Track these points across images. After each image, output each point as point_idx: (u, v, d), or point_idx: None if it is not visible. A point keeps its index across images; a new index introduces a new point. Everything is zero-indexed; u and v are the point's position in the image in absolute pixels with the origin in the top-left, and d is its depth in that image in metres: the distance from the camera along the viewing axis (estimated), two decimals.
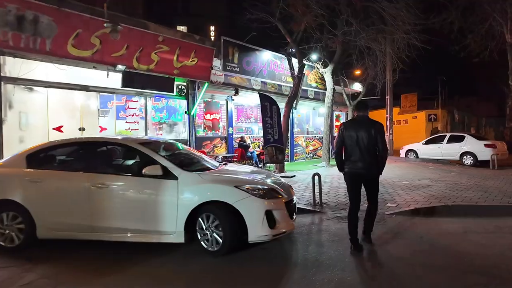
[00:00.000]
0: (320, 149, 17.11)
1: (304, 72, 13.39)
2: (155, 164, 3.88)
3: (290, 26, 10.46)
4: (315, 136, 16.71)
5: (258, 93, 9.98)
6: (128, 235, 3.96)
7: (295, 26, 10.29)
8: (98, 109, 8.43)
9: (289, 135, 14.68)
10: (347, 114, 18.44)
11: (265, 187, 4.03)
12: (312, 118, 17.17)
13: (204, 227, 3.81)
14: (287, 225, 4.01)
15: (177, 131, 10.36)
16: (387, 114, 17.53)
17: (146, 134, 9.31)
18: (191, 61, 9.08)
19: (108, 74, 7.65)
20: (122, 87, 7.94)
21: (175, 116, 10.21)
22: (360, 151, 3.88)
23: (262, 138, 10.23)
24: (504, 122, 24.36)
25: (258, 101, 12.67)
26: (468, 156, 13.56)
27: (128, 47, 7.66)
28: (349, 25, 11.21)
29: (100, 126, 8.50)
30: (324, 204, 6.24)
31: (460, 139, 14.04)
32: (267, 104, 9.75)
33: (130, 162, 4.39)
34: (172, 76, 8.80)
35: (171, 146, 5.08)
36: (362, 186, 4.06)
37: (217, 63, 10.22)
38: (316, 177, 6.24)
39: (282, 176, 9.66)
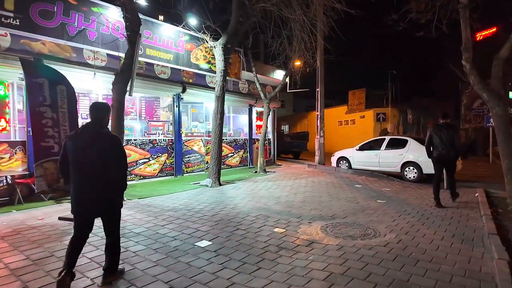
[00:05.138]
0: (232, 155, 12.94)
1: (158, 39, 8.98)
2: None
3: None
4: (224, 139, 12.40)
5: (20, 59, 5.36)
6: None
7: None
8: None
9: (173, 138, 10.31)
10: (274, 111, 14.42)
11: None
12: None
13: None
14: None
15: None
16: (317, 111, 13.66)
17: None
18: None
19: None
20: None
21: None
22: (443, 144, 6.05)
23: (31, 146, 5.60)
24: (460, 124, 21.73)
25: (96, 86, 8.23)
26: (411, 168, 9.93)
27: None
28: None
29: None
30: None
31: (402, 144, 10.41)
32: (44, 81, 5.21)
33: None
34: None
35: None
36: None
37: None
38: None
39: None
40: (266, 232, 4.59)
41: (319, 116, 13.49)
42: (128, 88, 6.61)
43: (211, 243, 4.16)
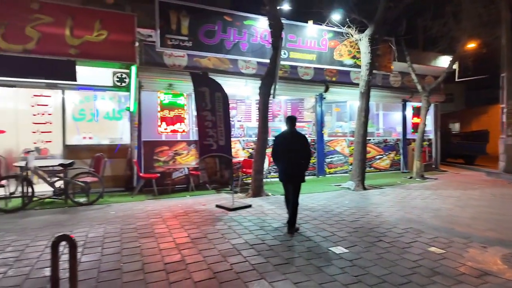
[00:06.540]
0: (381, 157, 11.80)
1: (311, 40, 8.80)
2: None
3: None
4: (371, 139, 11.43)
5: (190, 73, 6.50)
6: None
7: None
8: None
9: (315, 137, 10.35)
10: (437, 106, 12.18)
11: None
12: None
13: None
14: None
15: (116, 133, 7.99)
16: (502, 103, 10.52)
17: (63, 137, 7.30)
18: (97, 36, 6.50)
19: None
20: None
21: (113, 114, 7.88)
22: None
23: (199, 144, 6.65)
24: None
25: (248, 92, 9.17)
26: None
27: None
28: None
29: None
30: None
31: None
32: (206, 90, 6.21)
33: None
34: (70, 58, 6.45)
35: None
36: None
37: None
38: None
39: (229, 208, 5.92)
40: (417, 250, 3.80)
41: (505, 110, 10.34)
42: (272, 91, 7.02)
43: (347, 250, 3.80)
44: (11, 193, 5.97)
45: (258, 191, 7.18)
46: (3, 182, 5.94)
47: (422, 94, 10.35)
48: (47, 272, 3.19)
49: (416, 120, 12.48)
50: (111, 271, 3.25)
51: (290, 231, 4.50)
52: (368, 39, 8.32)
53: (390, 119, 12.90)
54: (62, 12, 6.21)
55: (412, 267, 3.30)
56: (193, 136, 8.80)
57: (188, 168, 8.32)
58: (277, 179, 9.70)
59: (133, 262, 3.46)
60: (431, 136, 13.04)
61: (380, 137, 12.11)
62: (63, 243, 2.14)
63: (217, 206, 6.15)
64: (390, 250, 3.79)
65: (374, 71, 8.91)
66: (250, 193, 7.25)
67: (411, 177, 10.26)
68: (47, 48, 6.21)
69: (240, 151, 9.22)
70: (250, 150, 9.25)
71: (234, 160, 8.40)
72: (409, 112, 12.43)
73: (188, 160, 8.56)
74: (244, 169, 8.60)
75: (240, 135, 9.66)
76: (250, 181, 7.95)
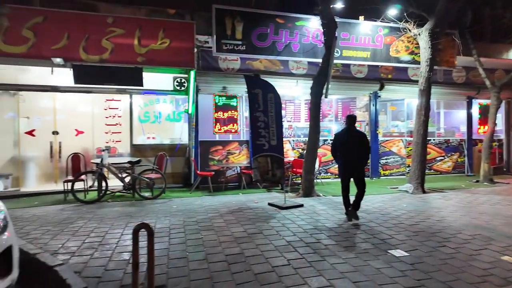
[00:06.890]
0: (442, 159, 11.05)
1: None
2: None
3: None
4: (431, 140, 10.70)
5: (244, 75, 6.72)
6: None
7: None
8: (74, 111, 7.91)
9: (369, 137, 9.97)
10: (510, 103, 11.03)
11: None
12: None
13: None
14: None
15: (176, 133, 8.58)
16: None
17: (131, 137, 8.06)
18: (160, 44, 7.07)
19: (52, 71, 6.86)
20: (76, 83, 6.96)
21: (173, 116, 8.48)
22: None
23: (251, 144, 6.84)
24: None
25: (298, 92, 9.21)
26: None
27: (70, 36, 6.57)
28: None
29: (76, 129, 7.92)
30: None
31: None
32: (259, 92, 6.41)
33: None
34: (137, 65, 7.10)
35: None
36: None
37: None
38: None
39: (281, 207, 6.03)
40: (487, 257, 3.54)
41: None
42: (324, 90, 6.99)
43: (407, 254, 3.68)
44: (89, 187, 6.80)
45: (309, 191, 7.19)
46: (83, 176, 6.77)
47: (492, 90, 9.42)
48: (126, 255, 3.62)
49: (483, 118, 11.39)
50: (179, 259, 3.58)
51: (351, 212, 4.94)
52: (428, 33, 7.85)
53: (453, 118, 11.96)
54: (132, 24, 6.90)
55: (482, 275, 3.10)
56: (244, 136, 9.09)
57: (240, 167, 8.65)
58: (329, 180, 9.80)
59: (197, 252, 3.75)
60: (502, 136, 11.82)
61: (441, 137, 11.28)
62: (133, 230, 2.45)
63: (269, 204, 6.31)
64: (456, 256, 3.59)
65: (435, 67, 8.37)
66: (300, 193, 7.29)
67: (477, 181, 9.43)
68: (119, 57, 6.95)
69: (289, 151, 9.29)
70: (300, 150, 9.28)
71: (285, 160, 8.51)
72: (475, 110, 11.40)
73: (240, 159, 8.87)
74: (294, 169, 8.66)
75: (290, 135, 9.72)
76: (300, 181, 7.99)
